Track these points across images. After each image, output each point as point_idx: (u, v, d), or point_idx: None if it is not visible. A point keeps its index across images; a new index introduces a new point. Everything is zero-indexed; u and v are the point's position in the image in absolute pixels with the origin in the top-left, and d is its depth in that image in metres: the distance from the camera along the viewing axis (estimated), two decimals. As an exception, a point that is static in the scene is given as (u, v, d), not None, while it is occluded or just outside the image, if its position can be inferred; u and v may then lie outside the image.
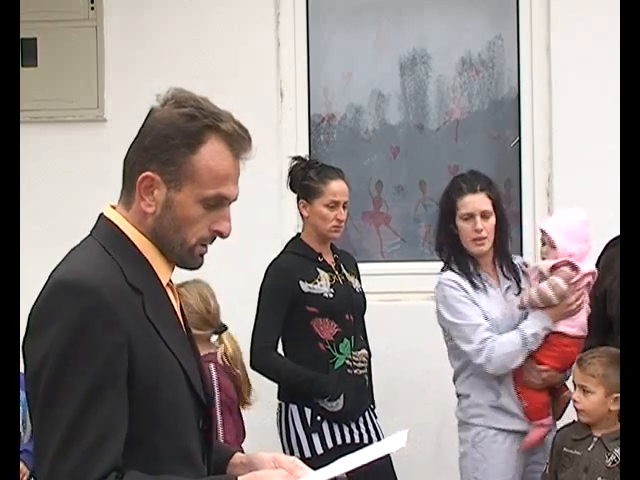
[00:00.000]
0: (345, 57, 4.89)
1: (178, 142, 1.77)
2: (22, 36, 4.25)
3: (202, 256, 1.86)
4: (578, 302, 3.50)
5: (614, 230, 3.29)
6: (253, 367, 3.77)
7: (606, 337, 3.46)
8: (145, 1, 4.75)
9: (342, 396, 3.71)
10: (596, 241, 3.76)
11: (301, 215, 3.92)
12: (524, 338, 3.47)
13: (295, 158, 3.94)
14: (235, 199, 1.84)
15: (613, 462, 3.18)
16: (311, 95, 4.82)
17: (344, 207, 3.83)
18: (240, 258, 4.35)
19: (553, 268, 3.53)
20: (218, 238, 1.86)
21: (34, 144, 4.54)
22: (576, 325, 3.53)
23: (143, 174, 1.78)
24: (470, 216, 3.57)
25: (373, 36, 4.88)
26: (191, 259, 1.85)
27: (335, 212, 3.80)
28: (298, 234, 3.98)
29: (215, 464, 1.93)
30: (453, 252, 3.62)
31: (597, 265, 3.69)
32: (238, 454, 2.00)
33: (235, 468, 1.95)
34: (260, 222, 4.46)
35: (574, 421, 3.42)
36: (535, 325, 3.49)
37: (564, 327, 3.52)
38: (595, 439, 3.29)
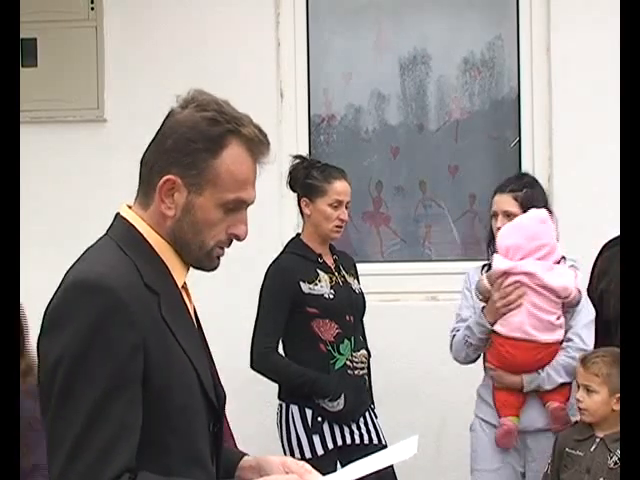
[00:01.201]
0: (345, 57, 4.89)
1: (200, 146, 1.77)
2: (22, 36, 4.25)
3: (219, 258, 1.86)
4: (504, 301, 3.46)
5: (614, 230, 3.29)
6: (254, 368, 3.76)
7: (605, 339, 3.46)
8: (145, 1, 4.75)
9: (343, 396, 3.71)
10: (595, 241, 3.76)
11: (302, 214, 3.92)
12: (464, 330, 3.61)
13: (296, 157, 3.94)
14: (252, 202, 1.85)
15: (615, 463, 3.18)
16: (311, 95, 4.82)
17: (346, 207, 3.84)
18: (239, 258, 4.34)
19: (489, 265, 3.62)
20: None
21: (34, 144, 4.54)
22: (506, 325, 3.48)
23: (165, 177, 1.77)
24: (495, 214, 3.69)
25: (373, 36, 4.88)
26: (209, 261, 1.85)
27: (338, 212, 3.80)
28: (298, 234, 3.97)
29: (224, 467, 1.92)
30: (492, 246, 3.74)
31: (594, 267, 3.69)
32: (247, 457, 2.00)
33: (244, 471, 1.95)
34: (260, 222, 4.44)
35: (576, 422, 3.41)
36: (471, 319, 3.60)
37: (497, 326, 3.52)
38: (597, 440, 3.28)
